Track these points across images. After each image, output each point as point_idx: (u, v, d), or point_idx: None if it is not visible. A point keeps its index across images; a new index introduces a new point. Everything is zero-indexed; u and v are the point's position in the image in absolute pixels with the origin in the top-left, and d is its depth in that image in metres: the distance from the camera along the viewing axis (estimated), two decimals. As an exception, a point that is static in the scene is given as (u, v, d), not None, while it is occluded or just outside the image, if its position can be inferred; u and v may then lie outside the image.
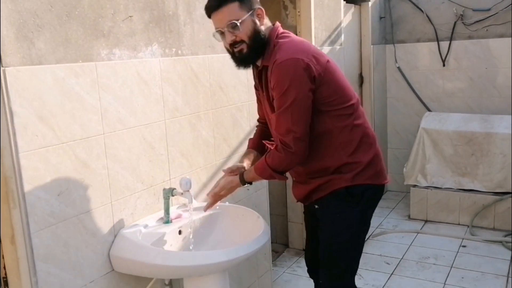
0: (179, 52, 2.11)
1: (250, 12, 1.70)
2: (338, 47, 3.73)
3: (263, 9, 1.75)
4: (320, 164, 1.82)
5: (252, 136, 2.12)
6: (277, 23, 1.82)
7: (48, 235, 1.59)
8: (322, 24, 3.45)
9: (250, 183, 1.89)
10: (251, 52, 1.73)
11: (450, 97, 4.54)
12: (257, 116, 2.12)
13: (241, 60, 1.76)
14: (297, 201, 2.04)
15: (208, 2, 1.72)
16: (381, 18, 4.57)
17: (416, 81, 4.67)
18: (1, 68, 1.43)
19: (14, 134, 1.47)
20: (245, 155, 2.03)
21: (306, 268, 2.18)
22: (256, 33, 1.71)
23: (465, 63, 4.42)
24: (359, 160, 1.81)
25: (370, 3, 4.30)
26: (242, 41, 1.71)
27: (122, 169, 1.86)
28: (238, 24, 1.67)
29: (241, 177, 1.87)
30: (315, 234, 2.00)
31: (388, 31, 4.69)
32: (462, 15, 4.33)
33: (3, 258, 1.57)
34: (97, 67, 1.72)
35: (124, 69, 1.83)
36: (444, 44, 4.46)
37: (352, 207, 1.84)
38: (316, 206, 1.91)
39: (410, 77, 4.68)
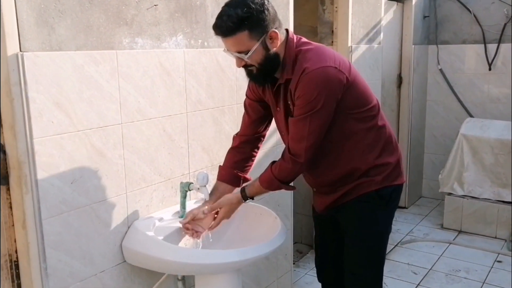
0: (205, 43, 2.06)
1: (262, 38, 1.57)
2: (376, 45, 3.59)
3: (277, 31, 1.60)
4: (346, 169, 1.76)
5: (222, 164, 1.97)
6: (289, 30, 1.70)
7: (60, 222, 1.58)
8: (360, 21, 3.33)
9: (252, 198, 1.81)
10: (261, 74, 1.65)
11: (495, 103, 4.31)
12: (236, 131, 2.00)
13: (251, 78, 1.69)
14: (319, 213, 1.96)
15: (216, 25, 1.57)
16: (425, 17, 4.38)
17: (458, 84, 4.45)
18: (19, 53, 1.42)
19: (30, 119, 1.46)
20: (215, 191, 1.90)
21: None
22: (267, 58, 1.62)
23: (513, 68, 4.18)
24: (388, 161, 1.78)
25: (414, 1, 4.13)
26: (251, 65, 1.63)
27: (139, 160, 1.83)
28: (246, 56, 1.59)
29: (243, 193, 1.79)
30: (336, 243, 1.93)
31: (432, 31, 4.49)
32: (513, 16, 4.09)
33: (15, 242, 1.58)
34: (118, 55, 1.69)
35: (146, 58, 1.80)
36: (492, 47, 4.23)
37: (381, 210, 1.81)
38: (340, 212, 1.85)
39: (453, 80, 4.47)
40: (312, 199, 2.01)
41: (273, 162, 1.76)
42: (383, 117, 1.80)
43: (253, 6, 1.53)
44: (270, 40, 1.60)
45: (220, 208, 1.84)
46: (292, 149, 1.68)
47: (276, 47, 1.62)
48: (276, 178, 1.72)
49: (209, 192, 1.88)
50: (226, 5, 1.58)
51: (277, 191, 1.80)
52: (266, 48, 1.60)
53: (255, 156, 1.97)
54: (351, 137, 1.72)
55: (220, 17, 1.56)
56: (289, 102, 1.69)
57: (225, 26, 1.54)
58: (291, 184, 1.79)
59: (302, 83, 1.59)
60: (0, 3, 1.35)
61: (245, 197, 1.80)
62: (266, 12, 1.56)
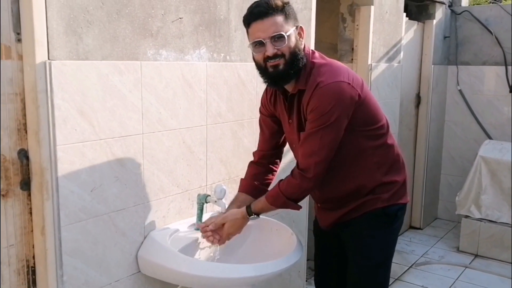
0: (228, 57, 2.08)
1: (294, 28, 1.62)
2: (396, 64, 3.58)
3: (304, 28, 1.67)
4: (354, 185, 1.76)
5: (244, 176, 1.97)
6: (305, 44, 1.72)
7: (78, 229, 1.59)
8: (380, 39, 3.33)
9: (258, 215, 1.76)
10: (288, 69, 1.61)
11: (515, 125, 4.25)
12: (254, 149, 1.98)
13: (274, 76, 1.63)
14: (324, 228, 1.94)
15: (254, 8, 1.60)
16: (445, 37, 4.36)
17: (478, 106, 4.41)
18: (47, 61, 1.44)
19: (54, 126, 1.48)
20: (235, 200, 1.88)
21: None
22: (297, 50, 1.62)
23: (535, 91, 4.13)
24: (396, 180, 1.79)
25: (434, 21, 4.12)
26: (281, 56, 1.59)
27: (159, 170, 1.84)
28: (286, 36, 1.57)
29: (248, 208, 1.75)
30: (338, 260, 1.92)
31: (452, 52, 4.47)
32: (535, 39, 4.05)
33: (33, 248, 1.59)
34: (142, 66, 1.71)
35: (169, 70, 1.82)
36: (513, 69, 4.19)
37: (387, 227, 1.82)
38: (345, 228, 1.84)
39: (472, 101, 4.43)
40: (315, 214, 1.99)
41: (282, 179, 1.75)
42: (391, 136, 1.81)
43: (286, 0, 1.61)
44: (299, 36, 1.64)
45: (224, 224, 1.80)
46: (301, 164, 1.67)
47: (302, 45, 1.65)
48: (282, 194, 1.69)
49: (226, 204, 1.88)
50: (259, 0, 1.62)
51: (286, 210, 1.77)
52: (296, 39, 1.63)
53: (275, 170, 1.96)
54: (360, 154, 1.72)
55: (258, 4, 1.59)
56: (301, 116, 1.69)
57: (265, 7, 1.57)
58: (298, 202, 1.74)
59: (316, 97, 1.60)
60: (32, 12, 1.39)
61: (250, 212, 1.75)
62: (294, 9, 1.64)
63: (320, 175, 1.65)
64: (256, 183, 1.90)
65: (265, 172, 1.93)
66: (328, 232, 1.94)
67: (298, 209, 1.75)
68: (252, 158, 1.98)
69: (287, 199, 1.69)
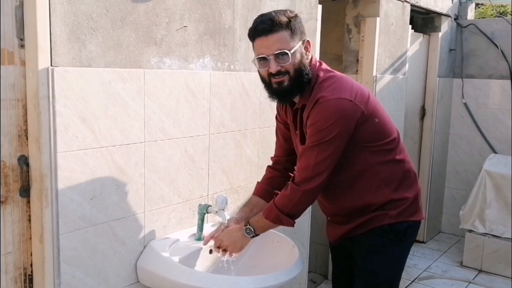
0: (232, 67, 2.07)
1: (300, 43, 1.59)
2: (401, 76, 3.57)
3: (310, 41, 1.65)
4: (362, 202, 1.72)
5: (260, 180, 1.95)
6: (312, 55, 1.70)
7: (77, 238, 1.57)
8: (386, 51, 3.32)
9: (256, 233, 1.70)
10: (292, 86, 1.59)
11: (520, 140, 4.22)
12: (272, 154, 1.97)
13: (278, 92, 1.62)
14: (331, 243, 1.92)
15: (258, 24, 1.57)
16: (451, 50, 4.35)
17: (483, 119, 4.38)
18: (50, 67, 1.43)
19: (55, 133, 1.47)
20: (248, 203, 1.86)
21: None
22: (302, 66, 1.59)
23: (540, 105, 4.10)
24: (405, 196, 1.74)
25: (440, 34, 4.11)
26: (286, 72, 1.58)
27: (160, 179, 1.82)
28: (289, 54, 1.55)
29: (246, 227, 1.69)
30: (348, 275, 1.88)
31: (457, 64, 4.45)
32: (541, 53, 4.03)
33: (31, 255, 1.57)
34: (145, 74, 1.70)
35: (173, 78, 1.81)
36: (518, 83, 4.17)
37: (395, 245, 1.77)
38: (353, 243, 1.81)
39: (477, 114, 4.40)
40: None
41: None
42: (402, 151, 1.76)
43: (292, 14, 1.59)
44: (305, 50, 1.62)
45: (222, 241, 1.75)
46: (296, 177, 1.64)
47: (308, 59, 1.63)
48: (275, 206, 1.65)
49: (227, 215, 1.85)
50: (264, 14, 1.60)
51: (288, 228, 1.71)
52: (302, 55, 1.60)
53: (290, 176, 1.89)
54: (367, 170, 1.69)
55: (262, 20, 1.57)
56: (303, 129, 1.67)
57: (270, 23, 1.54)
58: (294, 219, 1.68)
59: (315, 112, 1.58)
60: (36, 18, 1.38)
61: (248, 230, 1.69)
62: (301, 22, 1.61)
63: (314, 189, 1.62)
64: (269, 187, 1.88)
65: (280, 177, 1.90)
66: (338, 246, 1.91)
67: (292, 226, 1.68)
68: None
69: (279, 212, 1.64)
